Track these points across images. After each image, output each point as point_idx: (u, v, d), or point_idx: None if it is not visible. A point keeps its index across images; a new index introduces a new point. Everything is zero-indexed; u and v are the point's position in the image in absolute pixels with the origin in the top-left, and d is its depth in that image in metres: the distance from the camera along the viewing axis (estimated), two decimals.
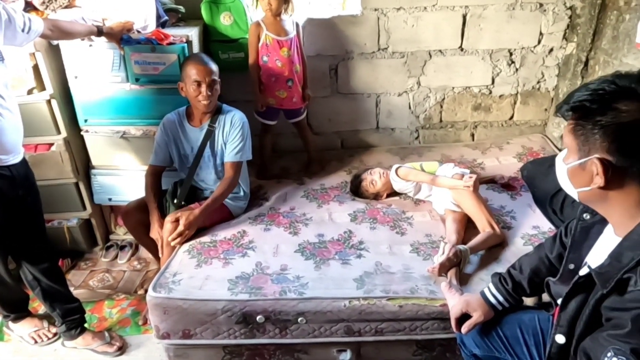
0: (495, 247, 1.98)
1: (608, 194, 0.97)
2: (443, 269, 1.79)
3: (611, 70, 2.37)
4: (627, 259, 0.91)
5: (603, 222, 1.11)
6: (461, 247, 1.85)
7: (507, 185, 2.47)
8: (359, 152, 2.97)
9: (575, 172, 1.00)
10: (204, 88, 2.06)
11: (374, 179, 2.39)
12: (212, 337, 1.77)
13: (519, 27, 2.71)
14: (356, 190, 2.44)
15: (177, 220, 2.03)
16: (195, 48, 2.40)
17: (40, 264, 1.93)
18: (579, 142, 0.96)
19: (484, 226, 2.00)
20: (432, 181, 2.24)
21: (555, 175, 1.10)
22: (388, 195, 2.44)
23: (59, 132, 2.40)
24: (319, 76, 2.82)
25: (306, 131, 2.79)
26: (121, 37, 2.19)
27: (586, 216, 1.16)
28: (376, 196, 2.41)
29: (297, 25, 2.52)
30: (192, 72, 2.04)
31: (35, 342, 2.12)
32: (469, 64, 2.82)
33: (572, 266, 1.17)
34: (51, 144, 2.42)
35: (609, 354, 0.87)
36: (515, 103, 2.97)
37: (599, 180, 0.94)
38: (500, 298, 1.38)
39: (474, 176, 2.09)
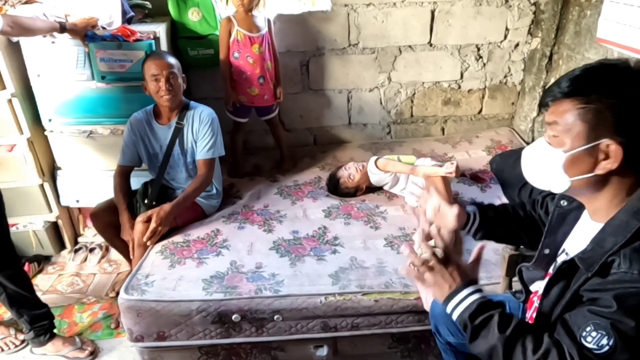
0: (466, 238, 2.00)
1: (609, 180, 0.95)
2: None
3: (574, 65, 2.45)
4: (610, 244, 0.92)
5: (579, 209, 1.11)
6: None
7: (475, 177, 2.53)
8: (331, 148, 2.97)
9: (579, 158, 0.95)
10: (162, 82, 2.02)
11: (351, 173, 2.38)
12: (187, 338, 1.75)
13: (486, 23, 2.76)
14: (335, 188, 2.41)
15: (148, 220, 1.99)
16: (163, 44, 2.35)
17: (4, 269, 1.85)
18: (588, 126, 0.91)
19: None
20: (411, 171, 2.26)
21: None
22: (367, 189, 2.43)
23: (21, 133, 2.32)
24: (290, 72, 2.81)
25: (278, 128, 2.77)
26: (85, 34, 2.14)
27: (563, 203, 1.16)
28: (356, 190, 2.40)
29: (269, 21, 2.50)
30: (149, 68, 2.02)
31: (2, 350, 2.05)
32: (438, 59, 2.86)
33: (547, 251, 1.18)
34: (14, 145, 2.33)
35: (588, 329, 0.87)
36: (483, 97, 3.02)
37: (609, 165, 0.91)
38: (474, 208, 1.32)
39: (455, 162, 2.13)
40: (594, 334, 0.87)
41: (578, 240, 1.06)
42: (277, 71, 2.60)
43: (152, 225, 1.97)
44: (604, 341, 0.86)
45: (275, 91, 2.60)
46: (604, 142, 0.91)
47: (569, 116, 0.94)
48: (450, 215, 1.27)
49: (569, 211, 1.14)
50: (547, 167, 1.02)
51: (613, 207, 0.97)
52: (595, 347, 0.86)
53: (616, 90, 0.90)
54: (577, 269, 0.97)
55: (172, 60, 2.06)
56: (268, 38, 2.48)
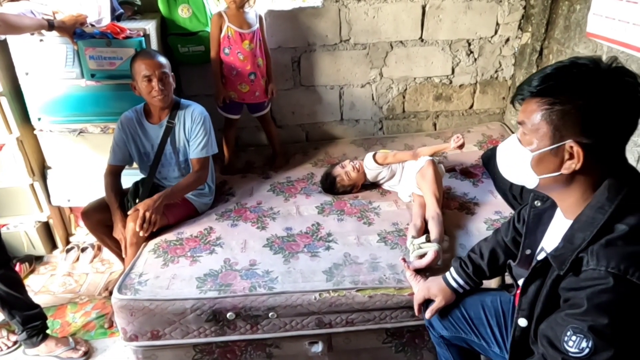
0: (460, 233, 2.03)
1: (574, 178, 0.96)
2: (422, 272, 1.74)
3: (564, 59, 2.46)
4: (579, 240, 0.94)
5: (553, 207, 1.13)
6: (437, 247, 1.81)
7: (466, 172, 2.54)
8: (323, 144, 2.97)
9: (544, 158, 0.97)
10: (155, 82, 2.00)
11: (347, 171, 2.35)
12: (181, 336, 1.74)
13: (476, 18, 2.77)
14: (331, 187, 2.37)
15: (138, 211, 1.96)
16: (153, 41, 2.33)
17: None
18: (553, 127, 0.93)
19: (432, 208, 2.01)
20: (413, 155, 2.27)
21: None
22: (362, 187, 2.43)
23: (10, 132, 2.30)
24: (281, 69, 2.80)
25: (270, 125, 2.76)
26: (74, 31, 2.11)
27: (537, 203, 1.19)
28: (353, 188, 2.39)
29: (260, 17, 2.48)
30: (140, 68, 1.99)
31: None
32: (429, 55, 2.86)
33: (528, 251, 1.21)
34: (3, 145, 2.31)
35: (568, 333, 0.89)
36: (474, 92, 3.04)
37: (573, 165, 0.93)
38: (461, 281, 1.43)
39: (461, 136, 2.20)
40: (574, 338, 0.89)
41: (553, 238, 1.09)
42: (269, 68, 2.58)
43: (140, 212, 1.93)
44: (584, 344, 0.88)
45: (267, 88, 2.58)
46: (568, 143, 0.92)
47: (535, 117, 0.96)
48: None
49: (543, 211, 1.17)
50: (517, 164, 1.03)
51: (582, 203, 0.98)
52: (577, 350, 0.88)
53: (583, 91, 0.90)
54: (551, 266, 0.99)
55: (162, 59, 2.04)
56: (259, 34, 2.47)
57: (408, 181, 2.26)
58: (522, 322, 1.10)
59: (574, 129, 0.91)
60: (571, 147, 0.93)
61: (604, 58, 0.94)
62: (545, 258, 1.01)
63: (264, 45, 2.52)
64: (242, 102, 2.55)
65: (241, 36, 2.39)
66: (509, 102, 3.06)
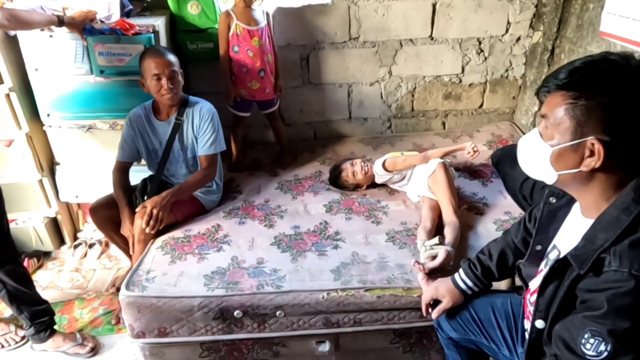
0: (469, 234, 2.01)
1: (594, 176, 0.94)
2: (433, 274, 1.70)
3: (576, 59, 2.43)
4: (601, 240, 0.91)
5: (568, 205, 1.12)
6: (450, 249, 1.79)
7: (472, 171, 2.51)
8: (331, 142, 2.95)
9: (564, 154, 0.95)
10: (164, 81, 1.99)
11: (355, 170, 2.34)
12: (188, 334, 1.74)
13: (487, 17, 2.74)
14: (335, 180, 2.39)
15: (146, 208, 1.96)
16: (162, 38, 2.33)
17: (4, 265, 1.85)
18: (576, 122, 0.91)
19: (449, 215, 1.99)
20: (424, 158, 2.23)
21: None
22: (367, 187, 2.41)
23: (20, 128, 2.31)
24: (290, 66, 2.79)
25: (278, 122, 2.76)
26: (83, 28, 2.11)
27: (552, 200, 1.17)
28: (355, 187, 2.39)
29: (267, 14, 2.47)
30: (150, 67, 1.97)
31: (2, 347, 2.05)
32: (439, 53, 2.84)
33: (539, 247, 1.19)
34: (12, 140, 2.32)
35: (585, 336, 0.87)
36: (484, 91, 3.01)
37: (593, 163, 0.91)
38: (470, 283, 1.42)
39: (477, 149, 2.25)
40: (592, 340, 0.87)
41: (568, 235, 1.07)
42: (277, 64, 2.58)
43: (147, 209, 1.93)
44: (602, 347, 0.86)
45: (276, 84, 2.58)
46: (589, 139, 0.90)
47: (558, 111, 0.94)
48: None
49: (558, 208, 1.16)
50: (536, 159, 1.02)
51: (603, 202, 0.96)
52: (595, 354, 0.86)
53: (609, 88, 0.88)
54: (570, 265, 0.97)
55: (172, 57, 2.03)
56: (267, 31, 2.46)
57: (417, 183, 2.24)
58: (540, 323, 1.07)
59: (597, 126, 0.89)
60: (592, 145, 0.90)
61: None
62: (564, 257, 0.98)
63: (272, 42, 2.51)
64: (253, 99, 2.55)
65: (250, 33, 2.38)
66: (519, 102, 3.03)
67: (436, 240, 1.83)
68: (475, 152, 2.24)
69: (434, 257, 1.77)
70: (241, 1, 2.31)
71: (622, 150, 0.90)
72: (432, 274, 1.70)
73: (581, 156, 0.93)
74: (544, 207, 1.19)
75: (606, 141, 0.89)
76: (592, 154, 0.92)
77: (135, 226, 1.99)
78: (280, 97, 2.70)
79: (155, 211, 1.94)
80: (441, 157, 2.24)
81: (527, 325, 1.24)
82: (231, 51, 2.42)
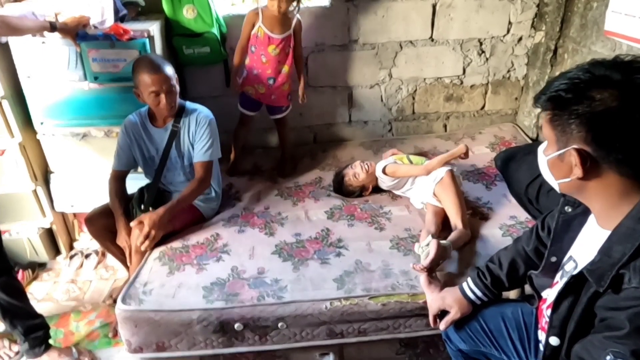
0: (476, 240, 1.96)
1: (587, 185, 0.95)
2: (430, 271, 1.67)
3: (580, 58, 2.39)
4: (617, 254, 0.89)
5: (585, 214, 1.10)
6: (444, 242, 1.77)
7: (479, 176, 2.46)
8: (331, 146, 2.91)
9: (555, 163, 0.98)
10: (162, 97, 1.93)
11: (356, 172, 2.31)
12: (187, 348, 1.69)
13: (488, 17, 2.70)
14: (340, 187, 2.35)
15: (143, 224, 1.92)
16: (158, 43, 2.28)
17: None
18: (557, 133, 0.95)
19: (457, 222, 1.95)
20: (424, 170, 2.17)
21: (529, 165, 1.09)
22: (373, 190, 2.36)
23: (12, 136, 2.25)
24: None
25: (285, 129, 2.71)
26: (77, 33, 2.06)
27: (568, 209, 1.15)
28: (362, 190, 2.33)
29: (299, 21, 2.40)
30: (146, 82, 1.90)
31: None
32: (439, 55, 2.79)
33: (554, 259, 1.16)
34: (4, 150, 2.26)
35: (607, 358, 0.84)
36: (486, 93, 2.96)
37: (578, 171, 0.93)
38: (479, 293, 1.38)
39: (464, 144, 2.19)
40: None
41: (584, 246, 1.05)
42: (301, 72, 2.55)
43: (145, 229, 1.89)
44: None
45: (289, 94, 2.53)
46: (569, 150, 0.92)
47: (545, 123, 0.98)
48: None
49: (573, 217, 1.14)
50: (543, 167, 1.06)
51: (614, 212, 0.95)
52: None
53: (580, 100, 0.89)
54: (586, 281, 0.95)
55: (168, 70, 1.95)
56: (290, 41, 2.39)
57: (421, 190, 2.17)
58: (554, 340, 1.04)
59: (577, 137, 0.90)
60: (570, 154, 0.92)
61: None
62: (580, 272, 0.95)
63: (294, 51, 2.44)
64: (258, 100, 2.50)
65: (270, 40, 2.33)
66: (522, 103, 2.99)
67: (429, 239, 1.79)
68: (465, 154, 2.17)
69: None
70: (276, 8, 2.20)
71: (606, 160, 0.89)
72: (436, 279, 1.65)
73: (569, 165, 0.95)
74: (559, 216, 1.16)
75: (586, 151, 0.90)
76: (576, 163, 0.93)
77: (133, 237, 1.93)
78: (303, 104, 2.63)
79: (153, 232, 1.90)
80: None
81: (542, 336, 1.19)
82: (249, 49, 2.39)
